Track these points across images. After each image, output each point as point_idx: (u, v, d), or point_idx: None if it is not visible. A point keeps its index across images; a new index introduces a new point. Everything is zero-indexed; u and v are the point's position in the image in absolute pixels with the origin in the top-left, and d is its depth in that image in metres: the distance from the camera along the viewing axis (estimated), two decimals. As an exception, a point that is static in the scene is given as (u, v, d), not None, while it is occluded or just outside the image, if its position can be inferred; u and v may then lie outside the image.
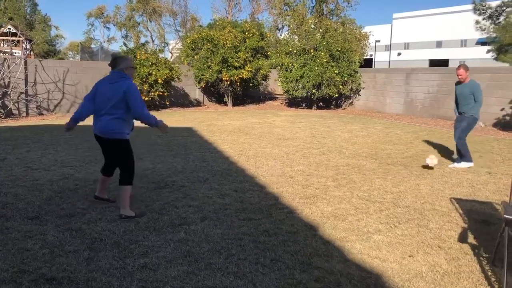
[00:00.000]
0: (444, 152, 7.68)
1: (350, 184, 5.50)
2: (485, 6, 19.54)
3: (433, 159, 6.31)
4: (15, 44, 22.18)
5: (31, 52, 25.08)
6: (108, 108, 4.02)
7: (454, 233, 3.84)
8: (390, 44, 50.43)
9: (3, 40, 28.53)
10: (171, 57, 39.62)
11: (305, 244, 3.52)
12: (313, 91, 15.55)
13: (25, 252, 3.30)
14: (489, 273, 3.09)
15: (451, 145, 7.13)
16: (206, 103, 18.12)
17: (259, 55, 17.23)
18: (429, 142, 8.81)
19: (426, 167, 6.37)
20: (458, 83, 6.59)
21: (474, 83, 6.42)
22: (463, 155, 6.50)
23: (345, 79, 15.61)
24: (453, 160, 6.82)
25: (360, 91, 16.38)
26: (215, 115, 14.16)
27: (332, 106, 17.06)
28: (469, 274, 3.06)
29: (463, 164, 6.48)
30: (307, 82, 15.31)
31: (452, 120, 6.93)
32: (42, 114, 13.64)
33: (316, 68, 15.15)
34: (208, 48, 16.26)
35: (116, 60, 4.17)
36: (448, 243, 3.61)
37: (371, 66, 39.80)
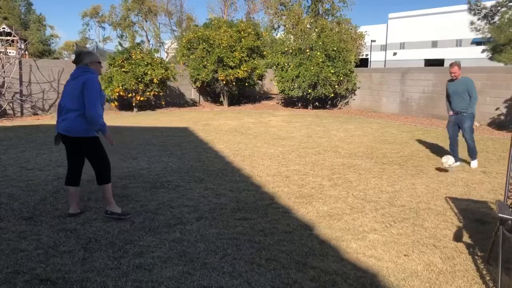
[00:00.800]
0: (439, 151, 7.71)
1: (346, 183, 5.51)
2: (480, 6, 19.61)
3: (447, 160, 6.10)
4: (10, 44, 22.05)
5: (26, 52, 24.95)
6: (73, 105, 3.85)
7: (449, 232, 3.86)
8: (386, 44, 50.60)
9: (-2, 39, 28.33)
10: (166, 56, 39.60)
11: (300, 244, 3.52)
12: (309, 90, 15.57)
13: (20, 253, 3.29)
14: (484, 272, 3.10)
15: (446, 144, 7.14)
16: (202, 103, 18.09)
17: (255, 55, 17.21)
18: (424, 142, 8.85)
19: (440, 169, 6.32)
20: (451, 80, 6.57)
21: (468, 80, 6.41)
22: (473, 155, 6.53)
23: (341, 78, 15.64)
24: (468, 162, 6.65)
25: (355, 90, 16.41)
26: (211, 115, 14.14)
27: (327, 106, 17.09)
28: (464, 273, 3.07)
29: (476, 163, 6.52)
30: (303, 81, 15.32)
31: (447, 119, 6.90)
32: (37, 114, 13.57)
33: (312, 68, 15.17)
34: (204, 48, 16.24)
35: (80, 55, 4.01)
36: (443, 242, 3.62)
37: (366, 66, 39.96)
